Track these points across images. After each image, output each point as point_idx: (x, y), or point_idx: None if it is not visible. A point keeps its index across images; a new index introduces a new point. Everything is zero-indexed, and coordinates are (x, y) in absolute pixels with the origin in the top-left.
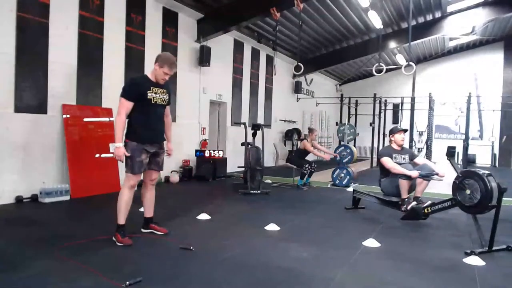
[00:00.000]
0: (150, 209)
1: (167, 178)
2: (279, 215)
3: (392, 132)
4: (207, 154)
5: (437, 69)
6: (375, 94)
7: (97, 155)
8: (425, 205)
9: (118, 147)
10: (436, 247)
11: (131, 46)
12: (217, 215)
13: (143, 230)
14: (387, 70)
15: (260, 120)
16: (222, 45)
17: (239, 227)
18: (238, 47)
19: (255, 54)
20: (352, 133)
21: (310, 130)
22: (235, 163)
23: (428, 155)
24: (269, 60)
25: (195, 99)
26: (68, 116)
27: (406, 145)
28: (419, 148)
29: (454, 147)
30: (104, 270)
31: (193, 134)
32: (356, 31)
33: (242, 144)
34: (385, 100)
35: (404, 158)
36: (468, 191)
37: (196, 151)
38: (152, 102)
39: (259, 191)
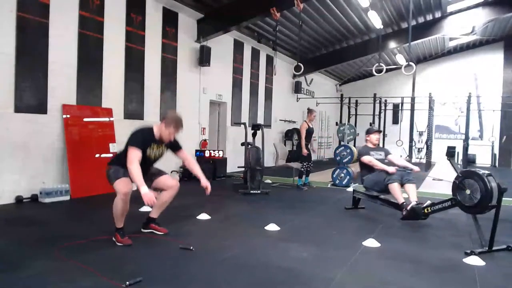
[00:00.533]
0: (158, 211)
1: None
2: (279, 215)
3: (368, 132)
4: (207, 154)
5: (437, 69)
6: (375, 94)
7: (97, 155)
8: (425, 205)
9: (144, 193)
10: (436, 247)
11: (131, 46)
12: (217, 215)
13: (143, 230)
14: (387, 70)
15: (260, 120)
16: (222, 45)
17: (239, 227)
18: (238, 47)
19: (255, 54)
20: (352, 133)
21: (309, 111)
22: (235, 163)
23: (428, 155)
24: (269, 60)
25: (195, 99)
26: (68, 116)
27: (406, 145)
28: (419, 148)
29: (454, 147)
30: (104, 270)
31: (193, 134)
32: (356, 31)
33: (242, 144)
34: (385, 100)
35: (380, 155)
36: (468, 191)
37: (196, 151)
38: (146, 156)
39: (259, 191)
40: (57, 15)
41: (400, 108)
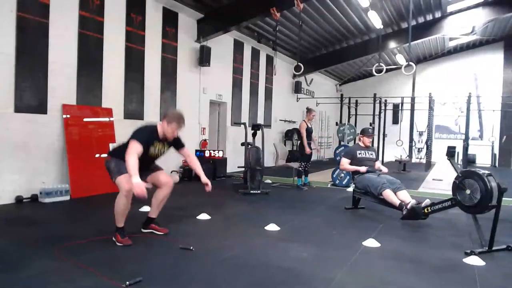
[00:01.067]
0: (157, 210)
1: None
2: (279, 215)
3: (363, 133)
4: (207, 154)
5: (437, 69)
6: (375, 94)
7: (97, 155)
8: (425, 205)
9: (136, 183)
10: (436, 247)
11: (131, 46)
12: (217, 215)
13: (143, 230)
14: (387, 70)
15: (260, 120)
16: (222, 45)
17: (239, 227)
18: (238, 47)
19: (255, 54)
20: (352, 133)
21: (308, 110)
22: (235, 163)
23: (428, 155)
24: (269, 60)
25: (195, 99)
26: (68, 116)
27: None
28: (419, 148)
29: (454, 147)
30: (104, 270)
31: (193, 134)
32: (356, 31)
33: (242, 144)
34: (385, 100)
35: (371, 154)
36: (468, 191)
37: (196, 151)
38: (148, 154)
39: (259, 191)
40: (57, 15)
41: (400, 108)
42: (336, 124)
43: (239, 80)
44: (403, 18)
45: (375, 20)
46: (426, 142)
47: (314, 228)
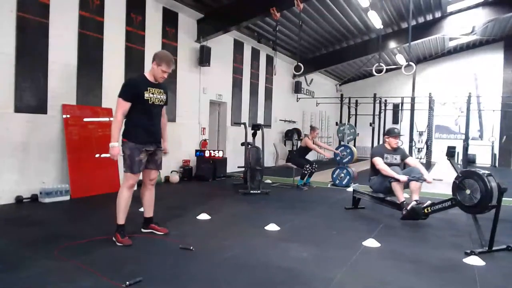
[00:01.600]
0: (150, 209)
1: (167, 178)
2: (279, 215)
3: (389, 133)
4: (207, 154)
5: (437, 69)
6: (375, 94)
7: (97, 155)
8: (425, 205)
9: (113, 147)
10: (436, 247)
11: (131, 46)
12: (217, 215)
13: (143, 230)
14: (387, 70)
15: (260, 120)
16: (222, 45)
17: (239, 227)
18: (238, 47)
19: (255, 54)
20: (352, 133)
21: (312, 128)
22: (235, 163)
23: (428, 155)
24: (269, 60)
25: (195, 99)
26: (68, 116)
27: (406, 145)
28: (419, 148)
29: (454, 147)
30: (104, 270)
31: (193, 134)
32: (356, 31)
33: (242, 144)
34: (385, 100)
35: (395, 159)
36: (468, 191)
37: (196, 151)
38: (149, 102)
39: (259, 191)
40: (57, 15)
41: (400, 108)
42: (336, 124)
43: (239, 80)
44: (403, 18)
45: (375, 20)
46: (426, 142)
47: (314, 228)
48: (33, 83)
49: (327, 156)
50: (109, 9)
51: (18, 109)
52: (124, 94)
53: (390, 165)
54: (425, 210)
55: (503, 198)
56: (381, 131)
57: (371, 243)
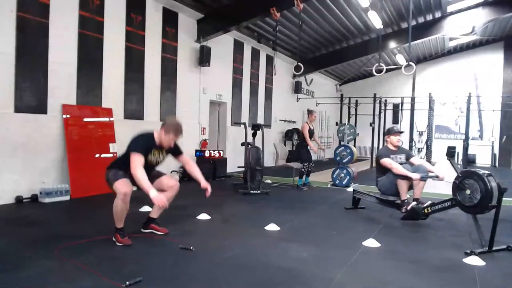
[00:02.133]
0: (159, 211)
1: None
2: (279, 215)
3: (389, 132)
4: (207, 154)
5: (437, 69)
6: (375, 94)
7: (97, 155)
8: (425, 205)
9: (154, 197)
10: (436, 247)
11: (131, 46)
12: (217, 215)
13: (143, 230)
14: (387, 70)
15: (260, 120)
16: (222, 45)
17: (239, 227)
18: (238, 47)
19: (255, 54)
20: (352, 133)
21: (309, 112)
22: (235, 163)
23: (428, 155)
24: (269, 60)
25: (195, 99)
26: (68, 116)
27: (406, 145)
28: (419, 148)
29: (454, 147)
30: (104, 270)
31: (193, 134)
32: (356, 31)
33: (242, 144)
34: (385, 100)
35: (400, 158)
36: (468, 191)
37: (196, 151)
38: (148, 162)
39: (259, 191)
40: (57, 15)
41: (400, 108)
42: (336, 124)
43: (239, 80)
44: (403, 18)
45: (375, 20)
46: (426, 142)
47: (314, 228)
48: (33, 83)
49: (313, 149)
50: (109, 9)
51: (18, 109)
52: (139, 148)
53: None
54: (425, 210)
55: (503, 198)
56: (381, 131)
57: (371, 243)
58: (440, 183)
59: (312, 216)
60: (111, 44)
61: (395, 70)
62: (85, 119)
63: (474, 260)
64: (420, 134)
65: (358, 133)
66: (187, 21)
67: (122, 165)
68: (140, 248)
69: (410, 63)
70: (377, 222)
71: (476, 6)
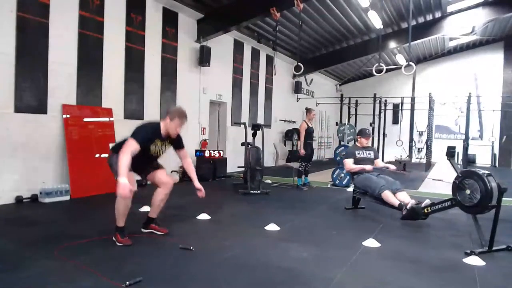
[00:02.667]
0: (157, 210)
1: None
2: (279, 215)
3: (361, 134)
4: (207, 154)
5: (437, 69)
6: (375, 94)
7: (97, 155)
8: (424, 205)
9: (123, 182)
10: (436, 247)
11: (131, 46)
12: (217, 215)
13: (143, 230)
14: (387, 70)
15: (260, 120)
16: (222, 45)
17: (239, 227)
18: (238, 47)
19: (255, 54)
20: (352, 133)
21: (308, 110)
22: (235, 163)
23: (428, 155)
24: (269, 60)
25: (195, 99)
26: (68, 116)
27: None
28: (419, 148)
29: (454, 147)
30: (104, 270)
31: (193, 134)
32: (356, 31)
33: (242, 144)
34: (385, 100)
35: (369, 154)
36: (468, 191)
37: (196, 151)
38: (150, 153)
39: (259, 191)
40: (57, 15)
41: (400, 108)
42: (336, 124)
43: (239, 80)
44: (403, 18)
45: (375, 20)
46: (426, 142)
47: (314, 228)
48: (33, 83)
49: (301, 152)
50: (109, 9)
51: (18, 109)
52: (139, 138)
53: (364, 160)
54: (425, 210)
55: (503, 198)
56: (381, 131)
57: (371, 243)
58: (441, 183)
59: (312, 216)
60: (111, 44)
61: (395, 70)
62: (85, 119)
63: (474, 260)
64: (420, 134)
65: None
66: (187, 21)
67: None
68: (140, 248)
69: (410, 63)
70: (377, 222)
71: (476, 6)
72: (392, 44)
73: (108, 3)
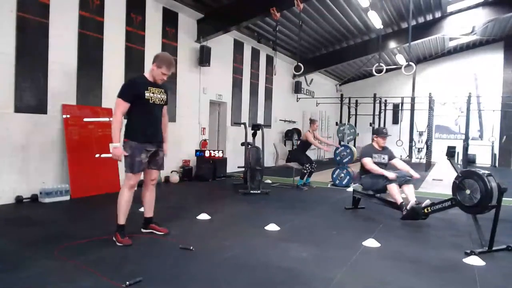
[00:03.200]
0: (150, 209)
1: (167, 178)
2: (279, 215)
3: (377, 133)
4: (207, 154)
5: (437, 69)
6: (375, 94)
7: (97, 155)
8: (424, 205)
9: (115, 147)
10: (436, 247)
11: (131, 46)
12: (217, 215)
13: (143, 230)
14: (387, 70)
15: (260, 120)
16: (222, 45)
17: (239, 227)
18: (238, 47)
19: (255, 54)
20: (352, 133)
21: (311, 121)
22: (235, 163)
23: (428, 155)
24: (269, 60)
25: (195, 99)
26: (68, 116)
27: (406, 145)
28: (419, 148)
29: (454, 147)
30: (104, 270)
31: (193, 134)
32: (356, 31)
33: (242, 144)
34: (385, 100)
35: (383, 158)
36: (468, 191)
37: (196, 151)
38: (150, 102)
39: (259, 191)
40: (57, 15)
41: (400, 108)
42: (336, 124)
43: (239, 80)
44: (403, 18)
45: (375, 20)
46: (426, 142)
47: (314, 228)
48: (33, 83)
49: (327, 150)
50: (109, 9)
51: (18, 109)
52: (124, 94)
53: (378, 164)
54: (425, 210)
55: (503, 198)
56: None
57: (371, 243)
58: (441, 183)
59: (312, 216)
60: (111, 44)
61: (395, 70)
62: (85, 119)
63: (474, 260)
64: (420, 134)
65: (358, 133)
66: (187, 21)
67: (134, 129)
68: (140, 248)
69: (410, 63)
70: (377, 222)
71: (476, 6)
72: (392, 44)
73: (108, 3)
